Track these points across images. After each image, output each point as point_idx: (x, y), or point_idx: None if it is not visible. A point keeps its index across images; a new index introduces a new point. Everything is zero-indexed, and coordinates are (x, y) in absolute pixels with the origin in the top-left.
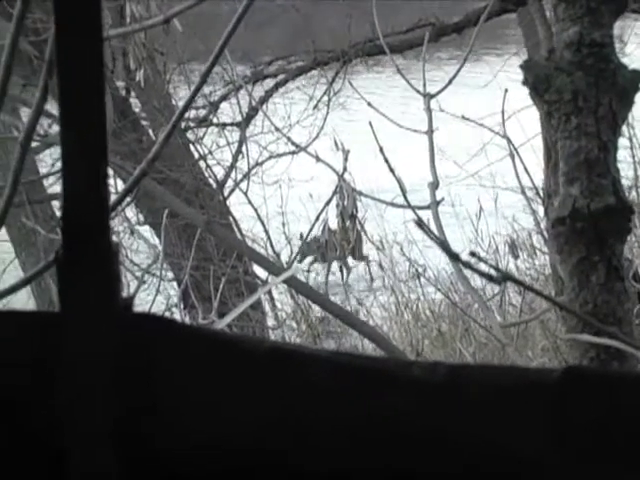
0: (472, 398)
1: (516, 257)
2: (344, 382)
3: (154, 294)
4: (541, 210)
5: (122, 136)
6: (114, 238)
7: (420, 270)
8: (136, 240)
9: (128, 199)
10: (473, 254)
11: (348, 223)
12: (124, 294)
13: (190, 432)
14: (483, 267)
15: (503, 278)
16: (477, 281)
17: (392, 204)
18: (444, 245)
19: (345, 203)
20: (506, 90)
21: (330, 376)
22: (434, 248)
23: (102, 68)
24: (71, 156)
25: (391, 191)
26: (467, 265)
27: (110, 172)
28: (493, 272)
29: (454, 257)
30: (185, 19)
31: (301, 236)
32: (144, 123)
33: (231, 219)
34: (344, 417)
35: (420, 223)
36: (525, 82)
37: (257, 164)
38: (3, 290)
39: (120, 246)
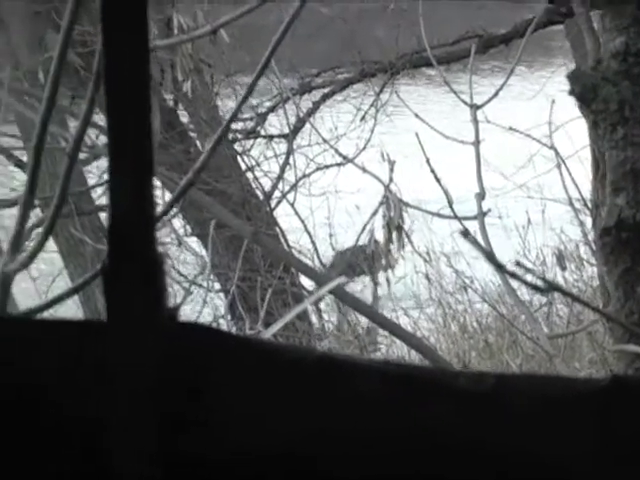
0: (518, 409)
1: (563, 269)
2: (391, 392)
3: (201, 305)
4: (589, 221)
5: (170, 147)
6: (161, 249)
7: (467, 282)
8: (183, 251)
9: (175, 210)
10: (518, 264)
11: (394, 234)
12: (171, 305)
13: (236, 444)
14: (529, 278)
15: (549, 288)
16: (524, 293)
17: (438, 215)
18: (490, 256)
19: (391, 214)
20: (553, 101)
21: (378, 386)
22: (481, 260)
23: (149, 79)
24: (118, 167)
25: (437, 202)
26: (513, 275)
27: (157, 183)
28: (539, 282)
29: (500, 268)
30: (231, 30)
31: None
32: (192, 135)
33: (278, 230)
34: (389, 428)
35: (466, 233)
36: (572, 92)
37: (304, 176)
38: (50, 300)
39: (167, 257)
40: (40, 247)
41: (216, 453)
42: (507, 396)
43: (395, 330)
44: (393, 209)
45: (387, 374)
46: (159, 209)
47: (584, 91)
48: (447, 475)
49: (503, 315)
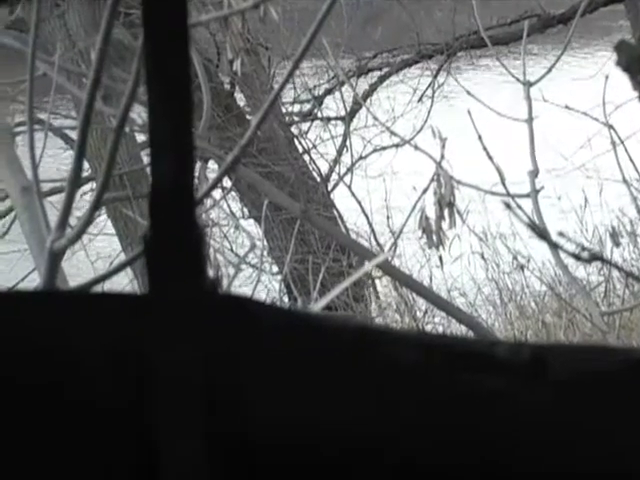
0: (559, 378)
1: (617, 245)
2: (431, 361)
3: (254, 285)
4: None
5: (227, 130)
6: (217, 230)
7: (524, 262)
8: (241, 234)
9: (231, 191)
10: (562, 234)
11: (446, 211)
12: (213, 278)
13: (275, 419)
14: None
15: (591, 257)
16: (581, 272)
17: (491, 192)
18: (536, 229)
19: (442, 191)
20: (607, 77)
21: (418, 356)
22: (538, 240)
23: (188, 54)
24: (158, 142)
25: (493, 183)
26: (555, 245)
27: (212, 163)
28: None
29: (543, 238)
30: (289, 14)
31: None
32: (248, 117)
33: (335, 212)
34: (430, 397)
35: (508, 205)
36: (618, 63)
37: (361, 157)
38: (100, 275)
39: (225, 239)
40: (86, 225)
41: (253, 425)
42: (547, 365)
43: (450, 309)
44: (444, 186)
45: (426, 343)
46: (210, 186)
47: (631, 61)
48: (485, 439)
49: (559, 294)
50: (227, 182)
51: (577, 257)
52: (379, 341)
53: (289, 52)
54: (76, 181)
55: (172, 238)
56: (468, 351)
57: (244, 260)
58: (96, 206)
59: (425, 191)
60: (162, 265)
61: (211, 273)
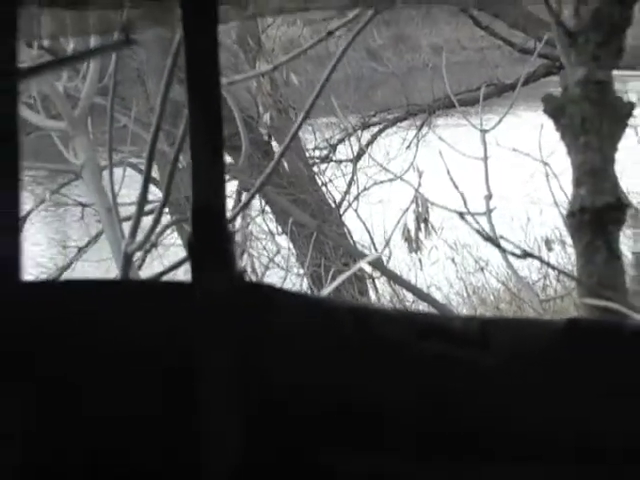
0: (498, 343)
1: (550, 249)
2: (408, 334)
3: (281, 283)
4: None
5: (264, 169)
6: (257, 243)
7: (483, 265)
8: (275, 246)
9: (263, 210)
10: (502, 237)
11: (422, 225)
12: (241, 270)
13: (288, 384)
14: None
15: (524, 254)
16: (526, 272)
17: (455, 211)
18: (484, 235)
19: (420, 210)
20: (541, 125)
21: (400, 330)
22: (494, 249)
23: (220, 96)
24: (198, 167)
25: (464, 207)
26: (499, 246)
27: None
28: (519, 252)
29: (489, 240)
30: (305, 77)
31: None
32: (282, 161)
33: (345, 230)
34: (408, 364)
35: (462, 215)
36: (545, 110)
37: (364, 189)
38: (164, 270)
39: (264, 250)
40: (150, 233)
41: (277, 395)
42: (489, 334)
43: (429, 300)
44: (421, 206)
45: (406, 320)
46: (243, 204)
47: (555, 110)
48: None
49: (510, 288)
50: (267, 207)
51: (514, 254)
52: (370, 319)
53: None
54: (142, 203)
55: (208, 242)
56: (435, 325)
57: (274, 261)
58: (158, 218)
59: (406, 210)
60: (201, 262)
61: (249, 272)
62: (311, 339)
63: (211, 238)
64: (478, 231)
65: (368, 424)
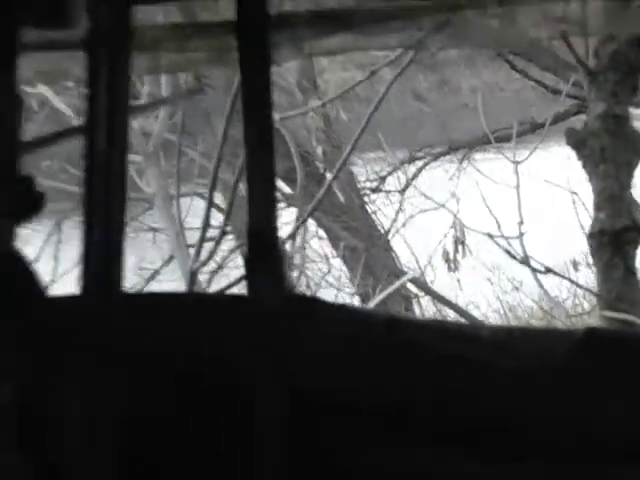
0: (522, 351)
1: (576, 269)
2: (433, 338)
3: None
4: None
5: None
6: (309, 264)
7: (517, 285)
8: (330, 267)
9: (319, 236)
10: (531, 258)
11: (460, 248)
12: (292, 285)
13: (321, 388)
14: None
15: (546, 270)
16: (556, 291)
17: (489, 235)
18: (515, 256)
19: (458, 234)
20: (568, 157)
21: (432, 337)
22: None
23: (272, 133)
24: (252, 199)
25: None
26: (528, 264)
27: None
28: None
29: (522, 262)
30: (355, 114)
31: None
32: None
33: (393, 254)
34: (436, 366)
35: (493, 237)
36: (568, 142)
37: (410, 217)
38: (227, 285)
39: (318, 271)
40: (212, 253)
41: (307, 394)
42: (515, 343)
43: (467, 317)
44: (459, 230)
45: (438, 328)
46: (295, 227)
47: (577, 142)
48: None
49: (542, 306)
50: (323, 234)
51: (539, 271)
52: (399, 325)
53: (361, 144)
54: (205, 227)
55: (261, 261)
56: (464, 333)
57: (327, 281)
58: (220, 238)
59: (446, 235)
60: (255, 277)
61: (304, 290)
62: (348, 343)
63: (264, 257)
64: (508, 252)
65: (395, 421)
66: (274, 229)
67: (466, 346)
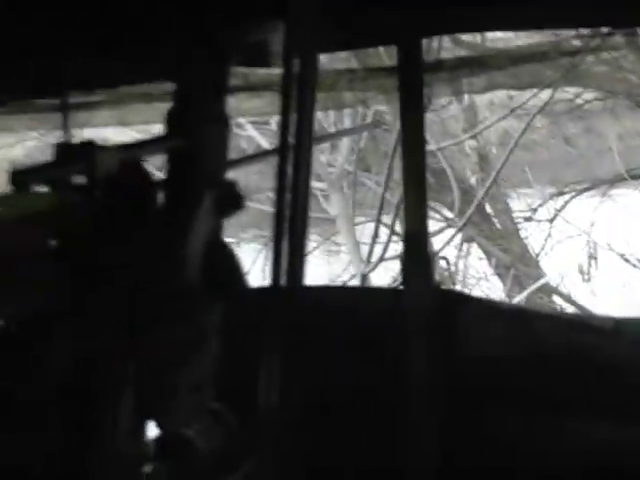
0: (629, 336)
1: None
2: (559, 328)
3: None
4: None
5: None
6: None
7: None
8: (486, 281)
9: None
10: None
11: (592, 262)
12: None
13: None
14: None
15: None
16: None
17: (621, 255)
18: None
19: (591, 250)
20: None
21: (552, 325)
22: None
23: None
24: (410, 209)
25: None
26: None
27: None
28: None
29: None
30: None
31: None
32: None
33: (540, 272)
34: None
35: (624, 256)
36: None
37: (558, 242)
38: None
39: (477, 284)
40: (380, 259)
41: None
42: (622, 329)
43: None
44: (592, 247)
45: (561, 320)
46: (451, 239)
47: None
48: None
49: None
50: (484, 255)
51: None
52: (530, 316)
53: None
54: (374, 239)
55: (414, 260)
56: (581, 321)
57: (482, 291)
58: (384, 252)
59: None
60: (408, 274)
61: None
62: (489, 331)
63: (417, 258)
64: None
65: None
66: (425, 236)
67: (581, 333)
